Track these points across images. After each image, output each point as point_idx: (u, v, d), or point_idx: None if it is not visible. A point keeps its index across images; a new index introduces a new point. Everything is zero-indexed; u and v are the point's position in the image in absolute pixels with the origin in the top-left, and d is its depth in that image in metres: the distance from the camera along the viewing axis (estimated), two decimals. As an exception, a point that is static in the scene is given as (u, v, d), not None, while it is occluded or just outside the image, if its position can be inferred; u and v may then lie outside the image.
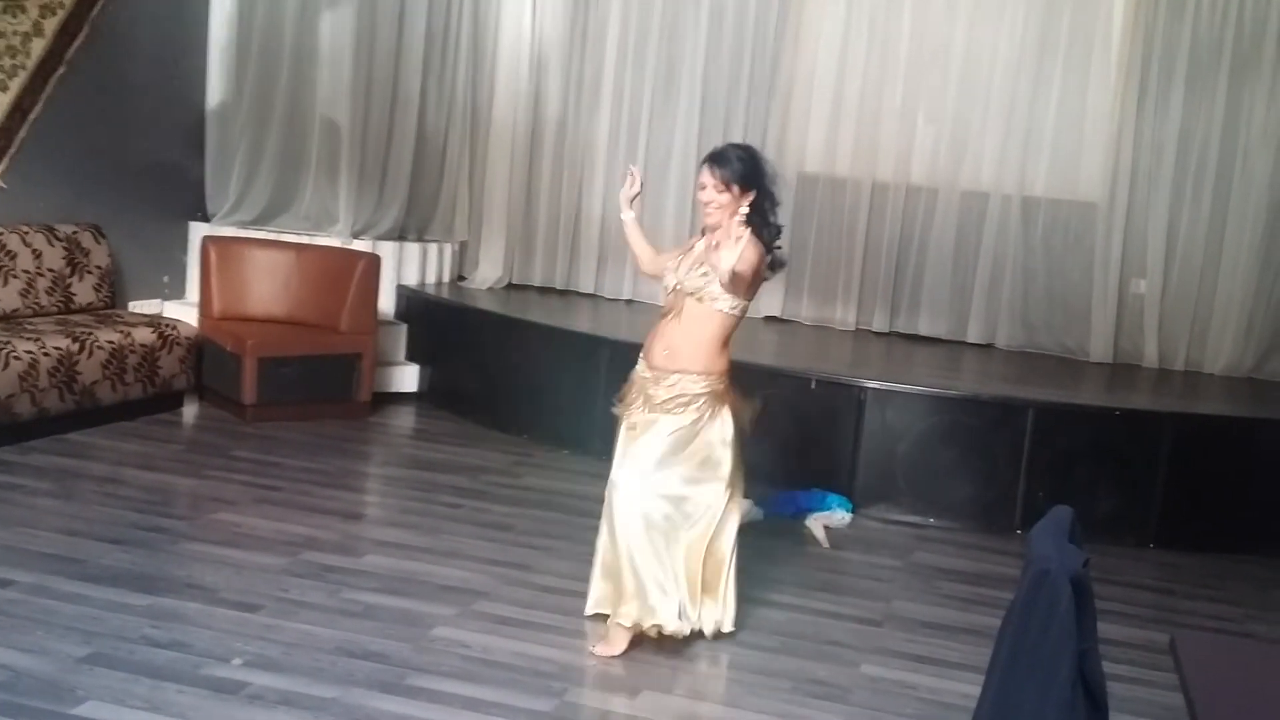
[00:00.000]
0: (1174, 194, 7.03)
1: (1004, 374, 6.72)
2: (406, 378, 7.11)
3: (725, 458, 3.86)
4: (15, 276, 5.95)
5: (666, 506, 3.80)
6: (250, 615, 3.88)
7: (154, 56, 6.90)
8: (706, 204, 3.85)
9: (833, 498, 5.55)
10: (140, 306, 6.85)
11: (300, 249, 6.82)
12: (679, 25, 7.59)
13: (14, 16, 6.04)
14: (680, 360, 3.85)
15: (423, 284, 7.54)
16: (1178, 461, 5.56)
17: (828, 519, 5.41)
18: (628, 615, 3.81)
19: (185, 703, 3.29)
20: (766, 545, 4.89)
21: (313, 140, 7.34)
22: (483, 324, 6.93)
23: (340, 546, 4.62)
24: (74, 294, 6.23)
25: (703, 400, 3.83)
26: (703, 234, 3.94)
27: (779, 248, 3.94)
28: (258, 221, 7.28)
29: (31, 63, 6.14)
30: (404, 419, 6.77)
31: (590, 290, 7.90)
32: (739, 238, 3.57)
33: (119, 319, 6.15)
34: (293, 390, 6.27)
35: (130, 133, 6.78)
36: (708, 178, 3.83)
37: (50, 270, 6.11)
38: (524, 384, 6.52)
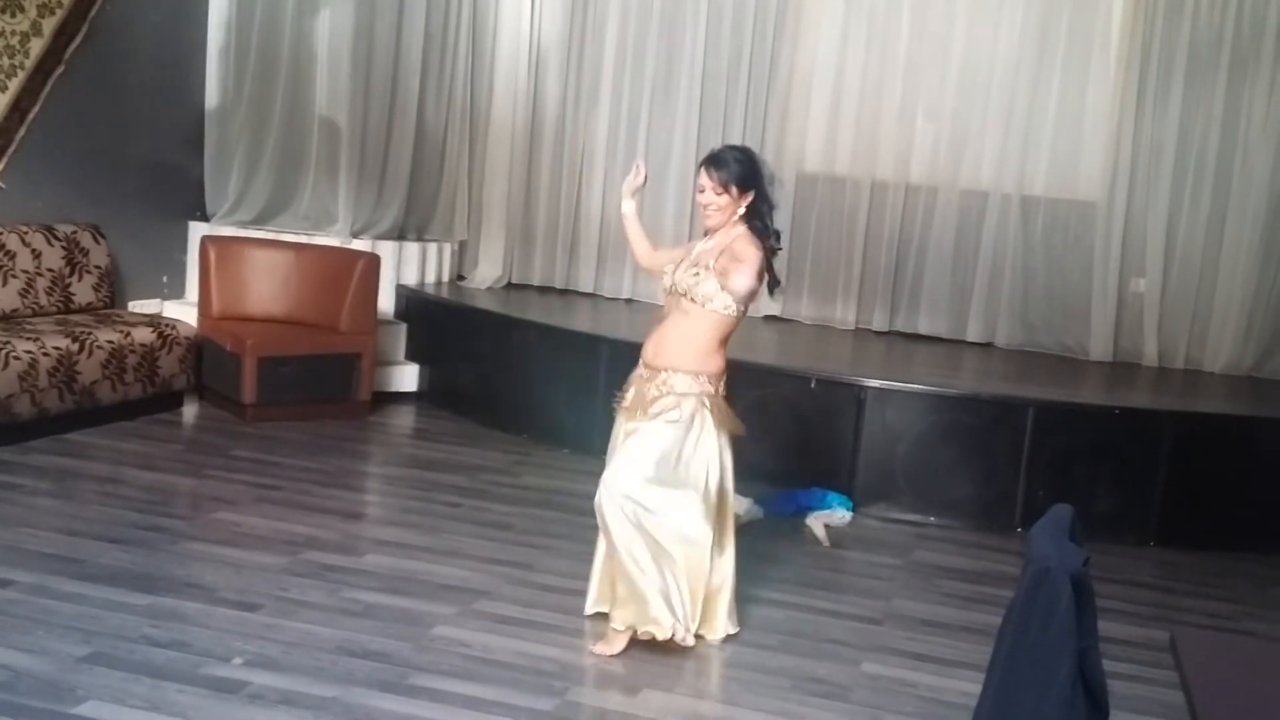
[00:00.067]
0: (1173, 193, 7.03)
1: (1004, 373, 6.73)
2: (406, 377, 7.11)
3: (710, 479, 3.85)
4: (14, 276, 5.95)
5: (651, 516, 3.79)
6: (250, 614, 3.88)
7: (153, 56, 6.90)
8: (706, 206, 3.87)
9: (833, 496, 5.55)
10: (140, 306, 6.85)
11: (300, 248, 6.82)
12: (678, 24, 7.59)
13: (12, 16, 6.04)
14: (671, 358, 3.87)
15: (422, 283, 7.54)
16: (1177, 460, 5.56)
17: (828, 518, 5.41)
18: (622, 619, 3.81)
19: (185, 702, 3.29)
20: (767, 544, 4.90)
21: (312, 140, 7.34)
22: (482, 323, 6.93)
23: (340, 546, 4.62)
24: (73, 294, 6.23)
25: (692, 401, 3.82)
26: (705, 235, 3.95)
27: (779, 249, 3.96)
28: (257, 221, 7.28)
29: (30, 62, 6.14)
30: (404, 418, 6.77)
31: (590, 289, 7.90)
32: (749, 262, 3.56)
33: (118, 319, 6.15)
34: (292, 390, 6.27)
35: (129, 132, 6.78)
36: (706, 180, 3.85)
37: (49, 270, 6.11)
38: (523, 383, 6.52)
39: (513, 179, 7.92)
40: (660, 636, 3.77)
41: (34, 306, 6.03)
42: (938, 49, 7.30)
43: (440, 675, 3.59)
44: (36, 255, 6.05)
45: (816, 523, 5.34)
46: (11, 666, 3.39)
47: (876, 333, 7.47)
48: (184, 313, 6.70)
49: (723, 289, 3.79)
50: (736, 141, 5.07)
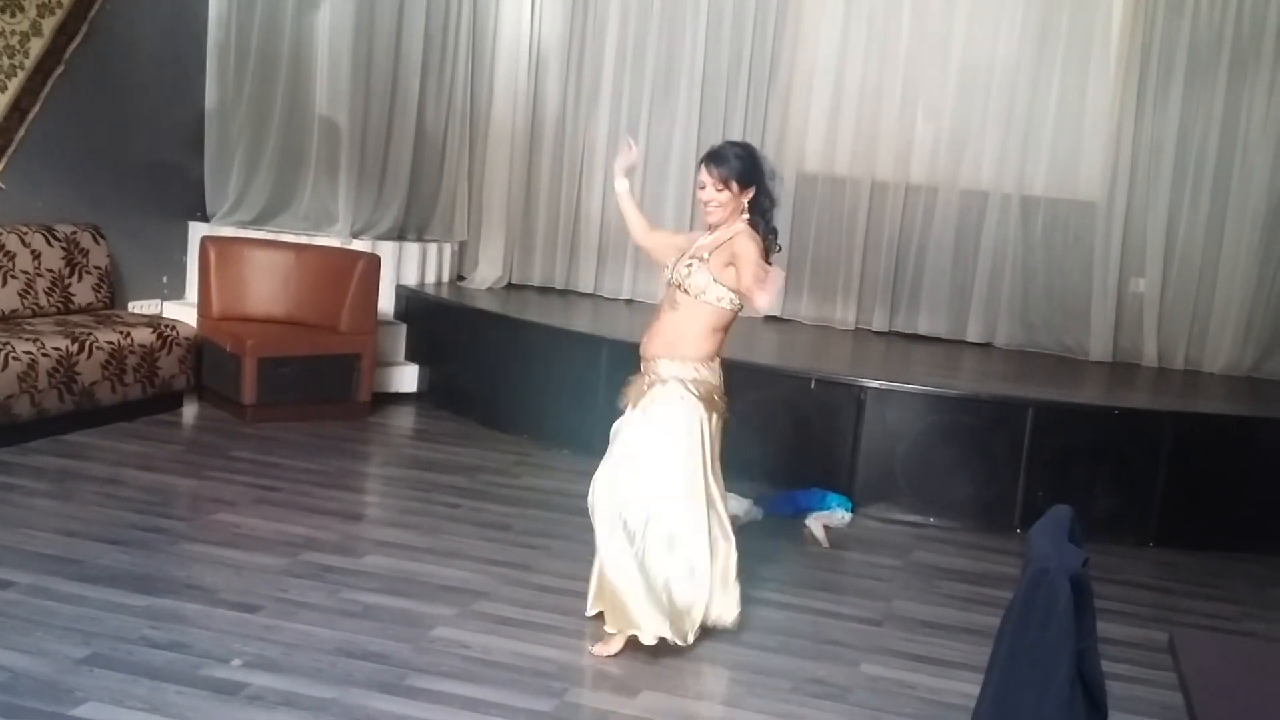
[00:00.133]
0: (1173, 192, 7.03)
1: (1003, 373, 6.72)
2: (406, 378, 7.11)
3: (686, 457, 3.83)
4: (14, 277, 5.95)
5: (638, 525, 3.79)
6: (250, 616, 3.88)
7: (153, 56, 6.90)
8: (706, 203, 3.87)
9: (832, 497, 5.55)
10: (139, 307, 6.85)
11: (299, 249, 6.81)
12: (678, 25, 7.59)
13: (12, 16, 6.04)
14: (662, 347, 3.89)
15: (422, 284, 7.54)
16: (1177, 460, 5.56)
17: (827, 518, 5.41)
18: (612, 622, 3.83)
19: (184, 703, 3.29)
20: (766, 545, 4.90)
21: (312, 140, 7.34)
22: (482, 324, 6.93)
23: (340, 547, 4.62)
24: (73, 294, 6.23)
25: (684, 387, 3.82)
26: (710, 230, 3.94)
27: (779, 249, 3.97)
28: (257, 221, 7.28)
29: (30, 62, 6.14)
30: (403, 419, 6.77)
31: (590, 290, 7.91)
32: (769, 279, 3.55)
33: (118, 319, 6.15)
34: (292, 390, 6.27)
35: (129, 132, 6.78)
36: (706, 176, 3.84)
37: (49, 270, 6.11)
38: (523, 384, 6.52)
39: (513, 179, 7.92)
40: (644, 640, 3.77)
41: (34, 307, 6.03)
42: (937, 49, 7.30)
43: (439, 676, 3.59)
44: (36, 256, 6.05)
45: (816, 523, 5.34)
46: (10, 668, 3.39)
47: (876, 333, 7.47)
48: (184, 313, 6.70)
49: (716, 282, 3.80)
50: (737, 141, 5.09)
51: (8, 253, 5.93)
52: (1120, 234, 7.10)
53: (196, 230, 7.14)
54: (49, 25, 6.20)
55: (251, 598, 4.03)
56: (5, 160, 6.08)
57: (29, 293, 6.01)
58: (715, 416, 3.90)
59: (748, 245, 3.77)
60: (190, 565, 4.31)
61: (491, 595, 4.25)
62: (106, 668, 3.44)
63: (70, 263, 6.22)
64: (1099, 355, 7.16)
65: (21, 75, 6.11)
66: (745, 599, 4.24)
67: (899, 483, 5.64)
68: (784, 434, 5.69)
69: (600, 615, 3.95)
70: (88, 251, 6.32)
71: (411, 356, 7.20)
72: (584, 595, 4.07)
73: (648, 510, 3.79)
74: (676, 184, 7.57)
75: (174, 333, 6.16)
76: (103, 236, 6.42)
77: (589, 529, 4.01)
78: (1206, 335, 7.09)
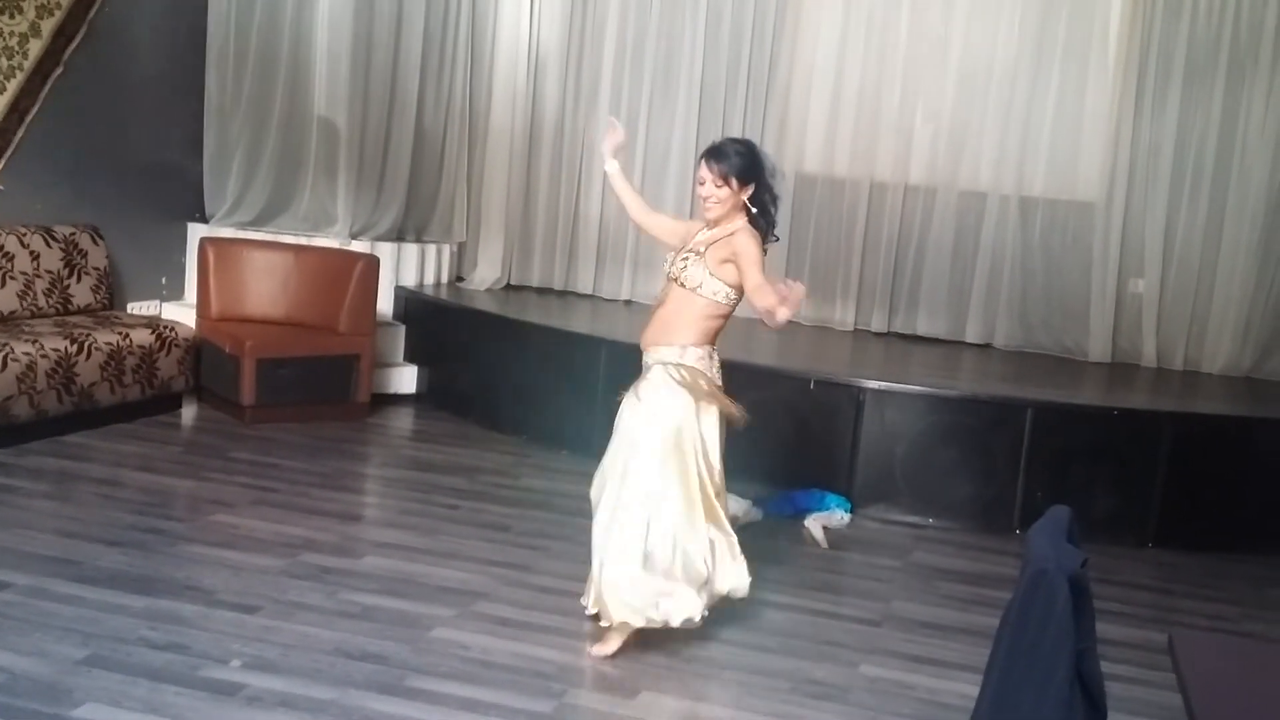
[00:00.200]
0: (1172, 194, 7.03)
1: (1002, 374, 6.73)
2: (405, 379, 7.11)
3: (667, 438, 3.82)
4: (13, 278, 5.94)
5: (629, 496, 3.81)
6: (248, 617, 3.88)
7: (152, 57, 6.90)
8: (705, 199, 3.86)
9: (831, 498, 5.55)
10: (138, 308, 6.85)
11: (298, 250, 6.81)
12: (676, 26, 7.60)
13: (11, 17, 6.04)
14: (655, 335, 3.90)
15: (421, 285, 7.54)
16: (1176, 461, 5.56)
17: (826, 519, 5.41)
18: (604, 612, 3.83)
19: (183, 704, 3.29)
20: (765, 546, 4.89)
21: (311, 141, 7.34)
22: (481, 325, 6.94)
23: (339, 548, 4.62)
24: (72, 295, 6.22)
25: (668, 371, 3.82)
26: (709, 225, 3.94)
27: (775, 239, 3.98)
28: (256, 222, 7.28)
29: (29, 64, 6.14)
30: (402, 420, 6.77)
31: (588, 291, 7.91)
32: (792, 294, 3.54)
33: (117, 320, 6.15)
34: (291, 391, 6.26)
35: (128, 134, 6.78)
36: (706, 172, 3.84)
37: (48, 272, 6.11)
38: (522, 385, 6.52)
39: (512, 181, 7.92)
40: (635, 624, 3.79)
41: (32, 308, 6.03)
42: (937, 50, 7.31)
43: (438, 677, 3.59)
44: (35, 257, 6.05)
45: (815, 524, 5.34)
46: (9, 669, 3.38)
47: (875, 334, 7.47)
48: (183, 314, 6.70)
49: (713, 276, 3.80)
50: (736, 142, 5.09)
51: (6, 254, 5.92)
52: (1119, 235, 7.11)
53: (195, 231, 7.14)
54: (48, 27, 6.20)
55: (250, 599, 4.02)
56: (4, 161, 6.07)
57: (28, 294, 6.01)
58: (706, 403, 3.86)
59: (748, 243, 3.77)
60: (189, 566, 4.30)
61: (491, 596, 4.25)
62: (105, 668, 3.44)
63: (69, 264, 6.21)
64: (1098, 356, 7.16)
65: (20, 76, 6.11)
66: (744, 599, 4.25)
67: (898, 483, 5.64)
68: (783, 435, 5.69)
69: (599, 615, 3.95)
70: (86, 252, 6.32)
71: (410, 357, 7.20)
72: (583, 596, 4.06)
73: (638, 495, 3.80)
74: (676, 185, 7.57)
75: (173, 334, 6.16)
76: (101, 237, 6.42)
77: (588, 530, 4.01)
78: (1205, 336, 7.09)
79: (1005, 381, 6.48)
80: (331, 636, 3.79)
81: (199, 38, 7.19)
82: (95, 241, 6.38)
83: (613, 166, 4.14)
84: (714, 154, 3.86)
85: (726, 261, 3.79)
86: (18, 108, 6.11)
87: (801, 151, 7.54)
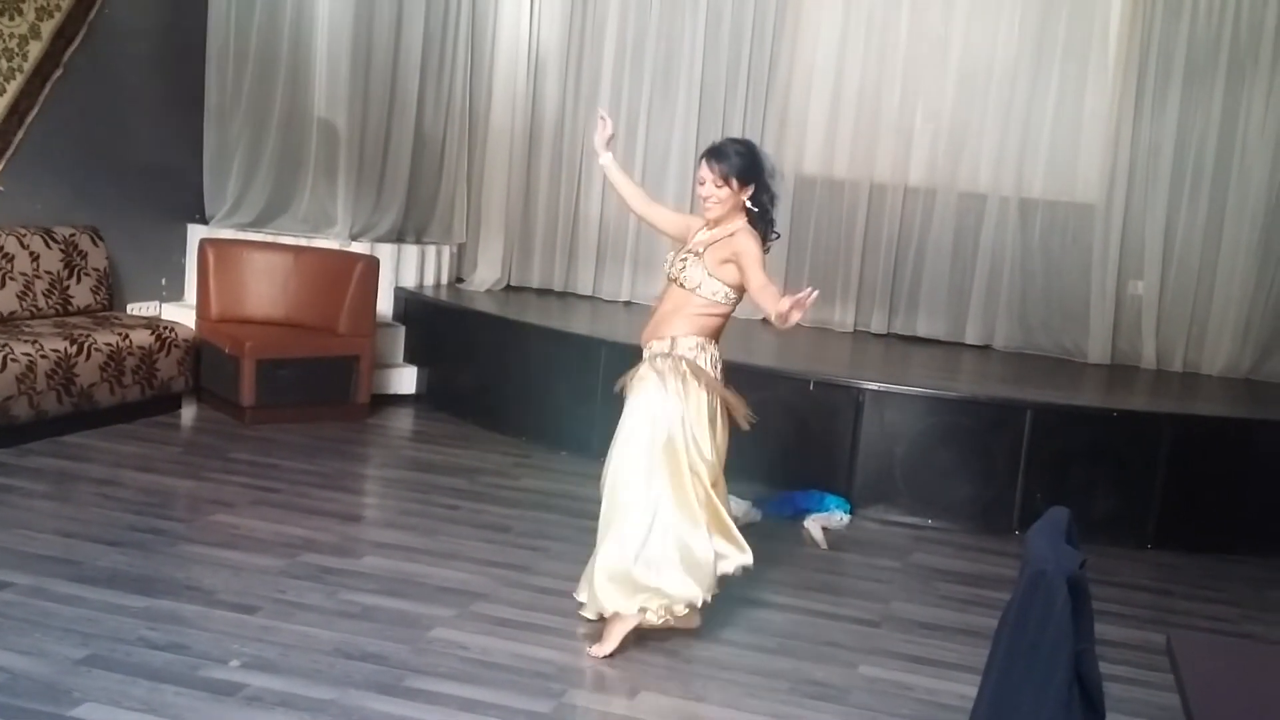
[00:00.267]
0: (1171, 195, 7.03)
1: (1002, 375, 6.73)
2: (405, 379, 7.11)
3: (654, 430, 3.83)
4: (13, 279, 5.95)
5: (623, 487, 3.84)
6: (248, 617, 3.88)
7: (151, 58, 6.90)
8: (705, 199, 3.87)
9: (831, 499, 5.55)
10: (138, 309, 6.85)
11: (298, 251, 6.82)
12: (676, 27, 7.60)
13: (10, 19, 6.05)
14: (655, 332, 3.92)
15: (421, 286, 7.54)
16: (1175, 463, 5.57)
17: (826, 520, 5.42)
18: (584, 594, 3.87)
19: (183, 704, 3.29)
20: (765, 546, 4.87)
21: (311, 142, 7.34)
22: (481, 326, 6.94)
23: (338, 548, 4.62)
24: (72, 296, 6.23)
25: (659, 362, 3.84)
26: (709, 224, 3.94)
27: (776, 235, 3.99)
28: (256, 224, 7.28)
29: (28, 65, 6.14)
30: (402, 421, 6.77)
31: (588, 292, 7.91)
32: (802, 300, 3.54)
33: (117, 321, 6.15)
34: (291, 392, 6.27)
35: (128, 135, 6.78)
36: (706, 172, 3.85)
37: (48, 272, 6.11)
38: (522, 386, 6.52)
39: (512, 181, 7.93)
40: (625, 612, 3.82)
41: (32, 309, 6.03)
42: (936, 51, 7.31)
43: (438, 677, 3.60)
44: (35, 258, 6.05)
45: (814, 525, 5.35)
46: (9, 669, 3.39)
47: (875, 335, 7.47)
48: (182, 315, 6.70)
49: (712, 276, 3.81)
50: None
51: (6, 255, 5.93)
52: (1118, 236, 7.11)
53: (195, 232, 7.14)
54: (47, 28, 6.21)
55: (250, 599, 4.03)
56: (4, 163, 6.08)
57: (27, 295, 6.01)
58: (696, 393, 3.85)
59: (749, 243, 3.78)
60: (189, 566, 4.31)
61: (490, 596, 4.26)
62: (105, 668, 3.44)
63: (69, 265, 6.22)
64: (1097, 357, 7.16)
65: (20, 78, 6.11)
66: (743, 600, 4.27)
67: (898, 484, 5.65)
68: (783, 436, 5.69)
69: (600, 617, 3.94)
70: (86, 254, 6.32)
71: (410, 358, 7.20)
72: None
73: (632, 494, 3.81)
74: (676, 185, 7.57)
75: (172, 335, 6.16)
76: (101, 239, 6.42)
77: (588, 531, 4.02)
78: (1205, 337, 7.09)
79: (1005, 383, 6.49)
80: (331, 637, 3.79)
81: (199, 39, 7.19)
82: (95, 242, 6.38)
83: (606, 159, 4.13)
84: (714, 154, 3.87)
85: (726, 262, 3.79)
86: (17, 109, 6.12)
87: (801, 152, 7.54)
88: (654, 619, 3.86)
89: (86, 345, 5.69)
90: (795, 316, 3.52)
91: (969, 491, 5.62)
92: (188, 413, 6.37)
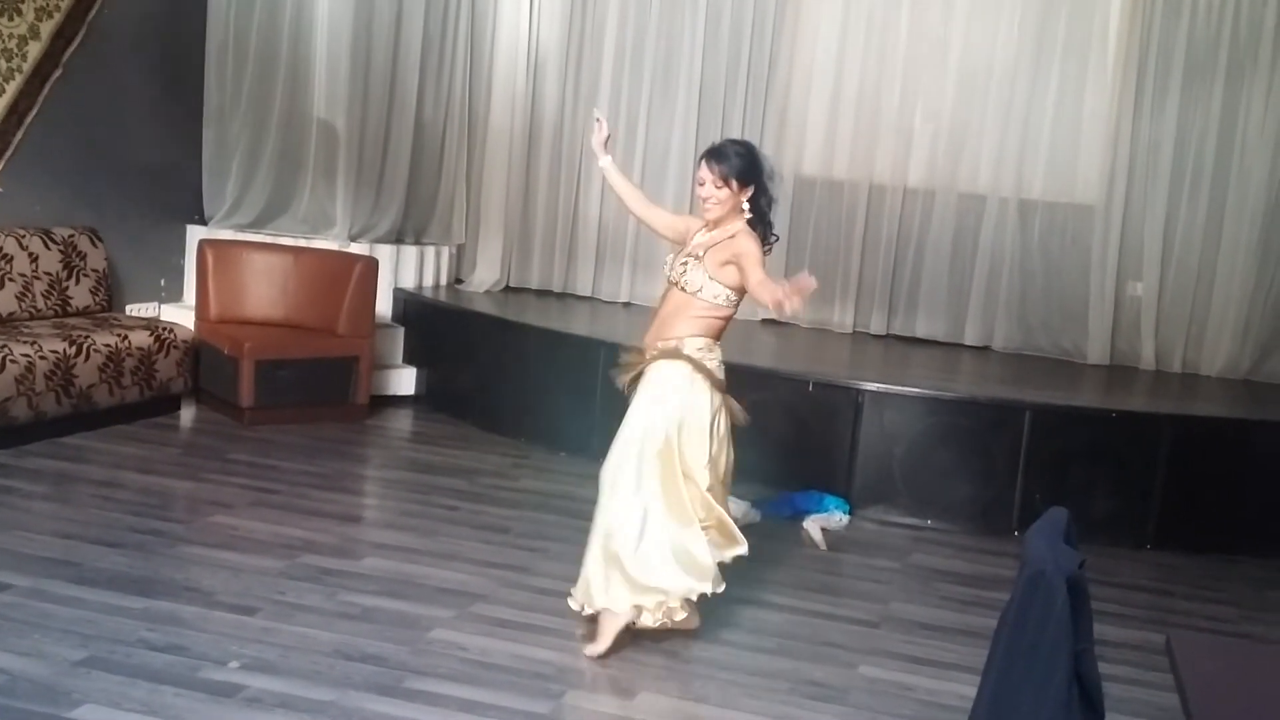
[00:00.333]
0: (1171, 195, 7.03)
1: (1001, 376, 6.73)
2: (404, 380, 7.11)
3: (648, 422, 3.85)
4: (12, 280, 5.94)
5: (617, 481, 3.85)
6: (247, 618, 3.88)
7: (150, 59, 6.90)
8: (705, 199, 3.87)
9: (830, 500, 5.55)
10: (137, 310, 6.84)
11: (297, 252, 6.81)
12: (676, 27, 7.60)
13: (10, 19, 6.05)
14: (663, 333, 3.91)
15: (420, 287, 7.54)
16: (1175, 463, 5.57)
17: (825, 521, 5.42)
18: (578, 591, 3.88)
19: (182, 705, 3.29)
20: (764, 547, 4.88)
21: (310, 143, 7.34)
22: (480, 327, 6.94)
23: (338, 549, 4.62)
24: (71, 297, 6.22)
25: (669, 358, 3.84)
26: (708, 226, 3.95)
27: (775, 238, 3.99)
28: (255, 224, 7.27)
29: (28, 66, 6.14)
30: (401, 422, 6.77)
31: (588, 293, 7.91)
32: (800, 284, 3.55)
33: (116, 322, 6.15)
34: (290, 393, 6.26)
35: (127, 135, 6.78)
36: (706, 173, 3.85)
37: (47, 273, 6.11)
38: (521, 387, 6.52)
39: (511, 182, 7.93)
40: (617, 609, 3.83)
41: (31, 310, 6.03)
42: (936, 51, 7.31)
43: (437, 678, 3.59)
44: (34, 259, 6.05)
45: (814, 526, 5.34)
46: (8, 670, 3.39)
47: (874, 336, 7.47)
48: (181, 316, 6.70)
49: (713, 279, 3.81)
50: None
51: (5, 256, 5.92)
52: (1118, 237, 7.11)
53: (194, 233, 7.13)
54: (47, 29, 6.21)
55: (249, 600, 4.03)
56: (3, 163, 6.07)
57: (26, 295, 6.01)
58: (701, 392, 3.86)
59: (750, 244, 3.79)
60: (188, 568, 4.31)
61: (490, 597, 4.26)
62: (104, 670, 3.44)
63: (68, 265, 6.21)
64: (1097, 358, 7.16)
65: (19, 79, 6.11)
66: (742, 601, 4.26)
67: (897, 485, 5.64)
68: (782, 436, 5.69)
69: (584, 610, 3.94)
70: (85, 254, 6.32)
71: (409, 359, 7.20)
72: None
73: (627, 496, 3.82)
74: (675, 185, 7.57)
75: (172, 335, 6.16)
76: (100, 239, 6.42)
77: (587, 531, 4.01)
78: (1204, 338, 7.09)
79: (1004, 383, 6.49)
80: (331, 638, 3.79)
81: (198, 39, 7.19)
82: (94, 243, 6.38)
83: (605, 161, 4.14)
84: (714, 155, 3.87)
85: (727, 264, 3.80)
86: (16, 110, 6.11)
87: (801, 152, 7.54)
88: (650, 621, 3.86)
89: (85, 346, 5.69)
90: (794, 304, 3.52)
91: (968, 492, 5.62)
92: (187, 414, 6.37)
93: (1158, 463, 5.57)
